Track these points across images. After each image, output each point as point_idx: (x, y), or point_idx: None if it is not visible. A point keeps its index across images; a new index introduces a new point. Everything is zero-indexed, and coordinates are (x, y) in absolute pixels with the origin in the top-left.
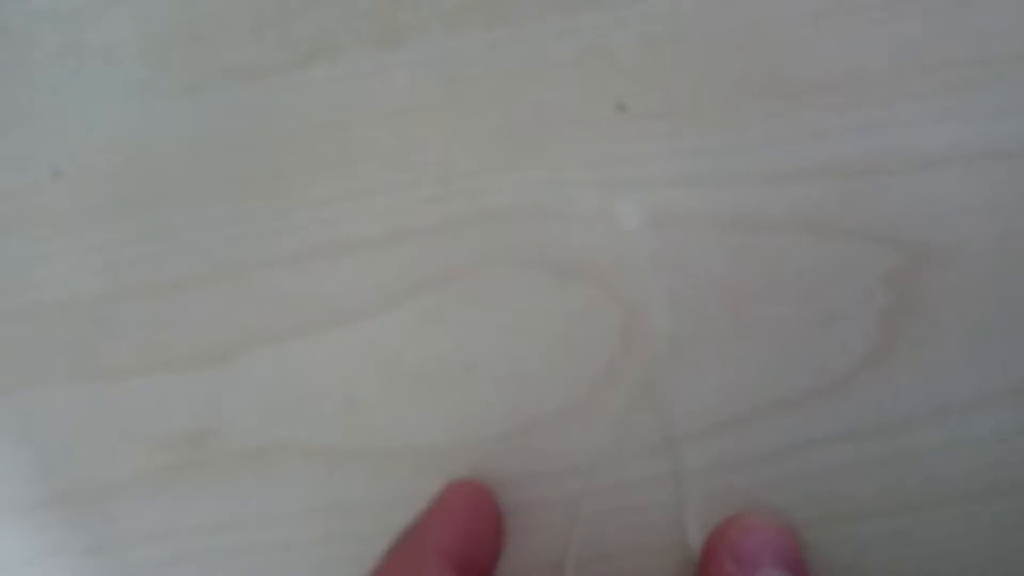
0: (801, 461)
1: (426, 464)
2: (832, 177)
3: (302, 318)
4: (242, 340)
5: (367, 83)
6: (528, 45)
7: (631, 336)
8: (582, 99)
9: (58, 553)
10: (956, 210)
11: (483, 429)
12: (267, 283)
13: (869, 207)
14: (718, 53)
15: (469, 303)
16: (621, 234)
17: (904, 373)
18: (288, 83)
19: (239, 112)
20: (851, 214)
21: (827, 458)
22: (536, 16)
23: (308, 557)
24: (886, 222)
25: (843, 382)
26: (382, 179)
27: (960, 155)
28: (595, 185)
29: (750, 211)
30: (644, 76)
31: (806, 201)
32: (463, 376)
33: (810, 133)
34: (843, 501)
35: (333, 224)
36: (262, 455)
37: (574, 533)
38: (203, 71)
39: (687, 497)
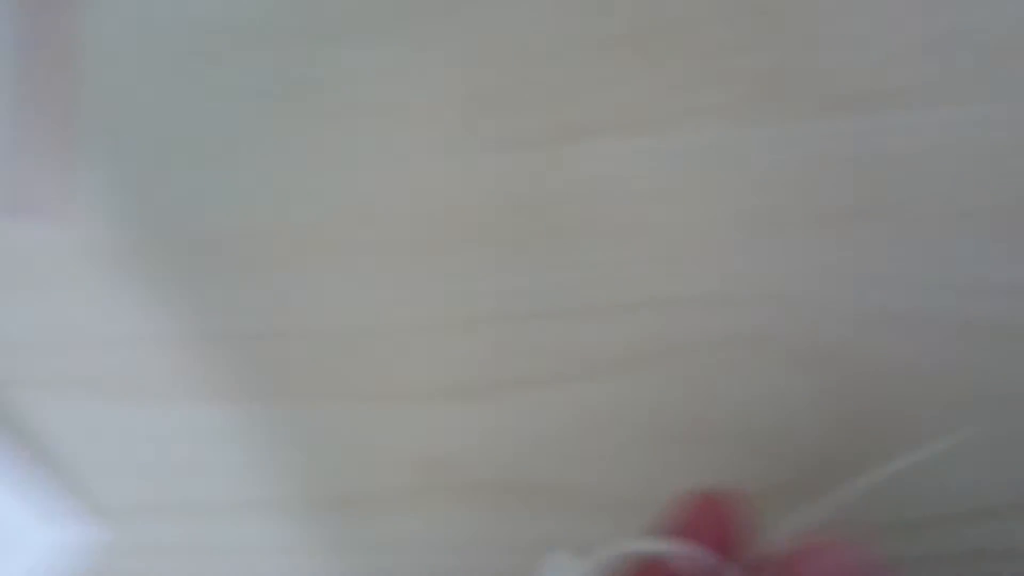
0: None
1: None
2: None
3: (554, 368)
4: (499, 380)
5: (625, 163)
6: (786, 144)
7: (857, 427)
8: (822, 199)
9: (299, 548)
10: None
11: None
12: (533, 333)
13: None
14: (993, 167)
15: (708, 376)
16: (859, 328)
17: None
18: (558, 155)
19: (509, 176)
20: None
21: None
22: (784, 119)
23: None
24: None
25: None
26: (616, 255)
27: None
28: (834, 278)
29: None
30: (897, 185)
31: None
32: (694, 440)
33: None
34: None
35: (593, 286)
36: (490, 489)
37: None
38: (483, 136)
39: None
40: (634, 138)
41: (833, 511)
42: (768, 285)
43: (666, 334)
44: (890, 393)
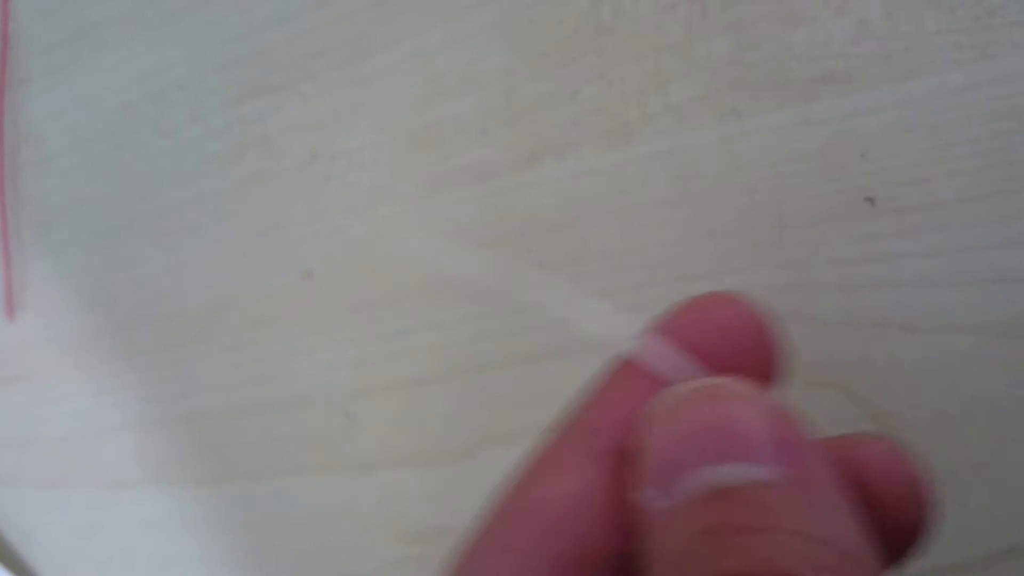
0: None
1: None
2: None
3: (535, 420)
4: (478, 439)
5: (596, 180)
6: (765, 136)
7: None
8: (825, 193)
9: None
10: None
11: None
12: (501, 384)
13: None
14: (987, 141)
15: None
16: (869, 342)
17: None
18: (517, 182)
19: (473, 213)
20: None
21: None
22: (772, 106)
23: None
24: None
25: None
26: (614, 279)
27: None
28: (840, 287)
29: None
30: (896, 167)
31: None
32: None
33: None
34: None
35: (567, 327)
36: None
37: None
38: (438, 173)
39: None
40: (597, 154)
41: None
42: (769, 301)
43: None
44: (905, 397)
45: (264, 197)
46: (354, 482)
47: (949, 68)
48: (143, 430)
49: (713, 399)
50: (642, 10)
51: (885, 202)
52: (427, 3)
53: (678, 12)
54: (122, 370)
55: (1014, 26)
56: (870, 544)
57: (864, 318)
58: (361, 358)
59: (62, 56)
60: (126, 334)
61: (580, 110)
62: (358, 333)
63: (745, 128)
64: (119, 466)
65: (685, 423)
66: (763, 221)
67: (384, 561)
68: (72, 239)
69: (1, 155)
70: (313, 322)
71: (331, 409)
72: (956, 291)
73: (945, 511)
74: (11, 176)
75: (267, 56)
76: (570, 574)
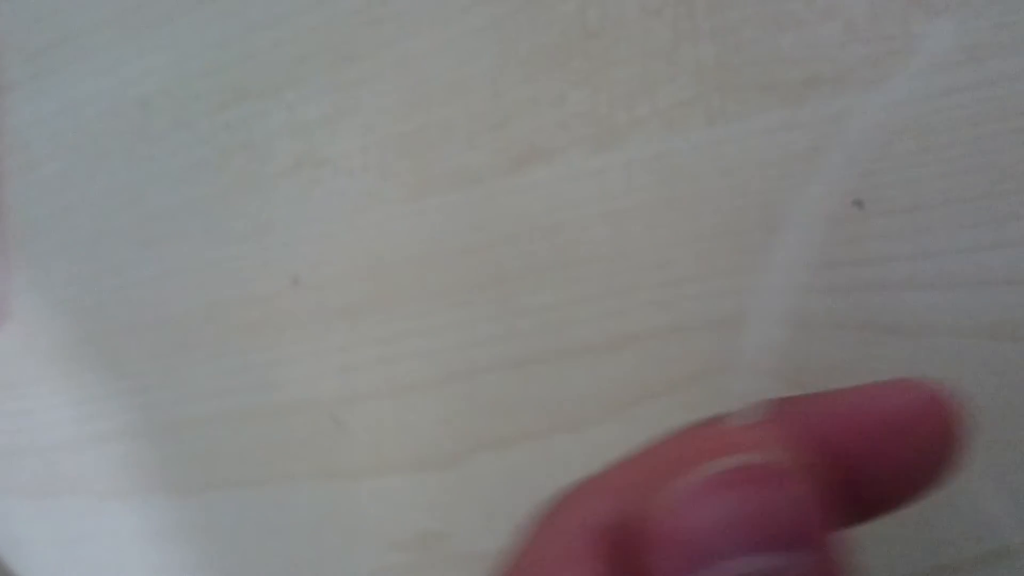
0: None
1: None
2: None
3: (525, 424)
4: (468, 445)
5: (584, 185)
6: (752, 140)
7: None
8: (813, 196)
9: None
10: None
11: None
12: (491, 388)
13: None
14: (974, 143)
15: (696, 412)
16: (857, 344)
17: None
18: (506, 187)
19: (461, 217)
20: None
21: None
22: (759, 109)
23: None
24: None
25: None
26: (603, 283)
27: None
28: (828, 289)
29: (1016, 317)
30: (884, 169)
31: None
32: None
33: None
34: None
35: (555, 329)
36: (487, 560)
37: None
38: (425, 178)
39: None
40: (584, 158)
41: None
42: (758, 303)
43: (642, 374)
44: None
45: (250, 203)
46: (344, 488)
47: (935, 70)
48: (131, 439)
49: (744, 483)
50: (628, 14)
51: (873, 204)
52: (413, 8)
53: (664, 16)
54: (109, 378)
55: (999, 28)
56: None
57: (852, 320)
58: (350, 364)
59: (46, 63)
60: (113, 342)
61: (567, 114)
62: (346, 339)
63: (732, 131)
64: (107, 475)
65: (715, 509)
66: (751, 224)
67: (375, 567)
68: (58, 247)
69: None
70: (301, 328)
71: (320, 415)
72: (944, 293)
73: (935, 513)
74: None
75: (252, 61)
76: None
